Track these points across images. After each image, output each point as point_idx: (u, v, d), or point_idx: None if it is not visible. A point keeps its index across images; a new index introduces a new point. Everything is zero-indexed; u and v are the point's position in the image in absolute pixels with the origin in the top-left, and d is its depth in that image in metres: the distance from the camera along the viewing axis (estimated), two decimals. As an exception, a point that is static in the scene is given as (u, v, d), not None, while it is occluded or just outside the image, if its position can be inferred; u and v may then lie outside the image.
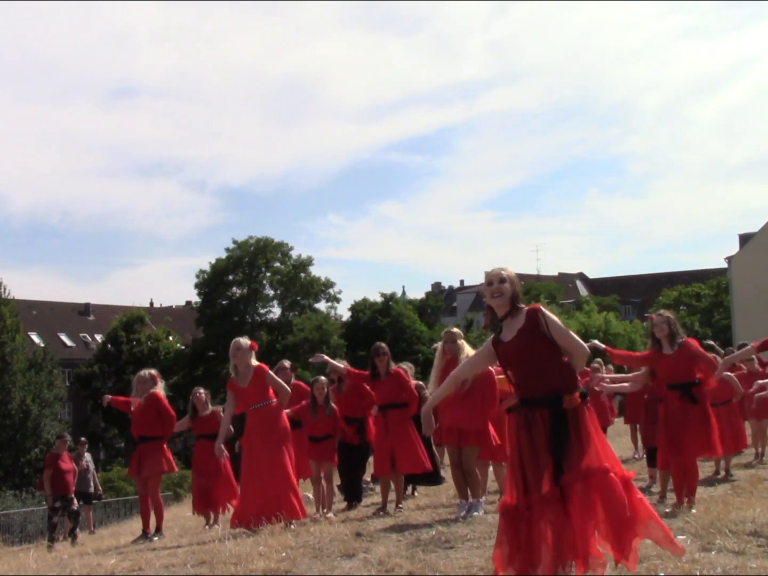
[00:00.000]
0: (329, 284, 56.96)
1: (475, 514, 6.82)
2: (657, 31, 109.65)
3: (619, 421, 14.80)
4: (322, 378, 8.86)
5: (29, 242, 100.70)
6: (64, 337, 60.12)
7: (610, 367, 15.03)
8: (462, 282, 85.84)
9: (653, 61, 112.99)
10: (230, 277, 55.34)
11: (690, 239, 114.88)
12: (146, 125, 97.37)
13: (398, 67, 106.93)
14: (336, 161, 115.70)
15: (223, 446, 7.97)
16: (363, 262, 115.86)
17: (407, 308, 55.19)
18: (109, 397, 9.64)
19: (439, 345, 7.60)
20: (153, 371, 8.93)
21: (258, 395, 7.59)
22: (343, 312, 60.19)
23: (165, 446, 8.82)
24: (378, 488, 9.22)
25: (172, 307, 70.27)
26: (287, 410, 8.22)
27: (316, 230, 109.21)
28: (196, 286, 55.28)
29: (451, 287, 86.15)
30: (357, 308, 55.56)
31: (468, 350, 7.31)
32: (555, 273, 75.07)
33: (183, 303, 69.53)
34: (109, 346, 53.50)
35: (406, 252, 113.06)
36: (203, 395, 9.97)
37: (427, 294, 71.68)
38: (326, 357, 8.77)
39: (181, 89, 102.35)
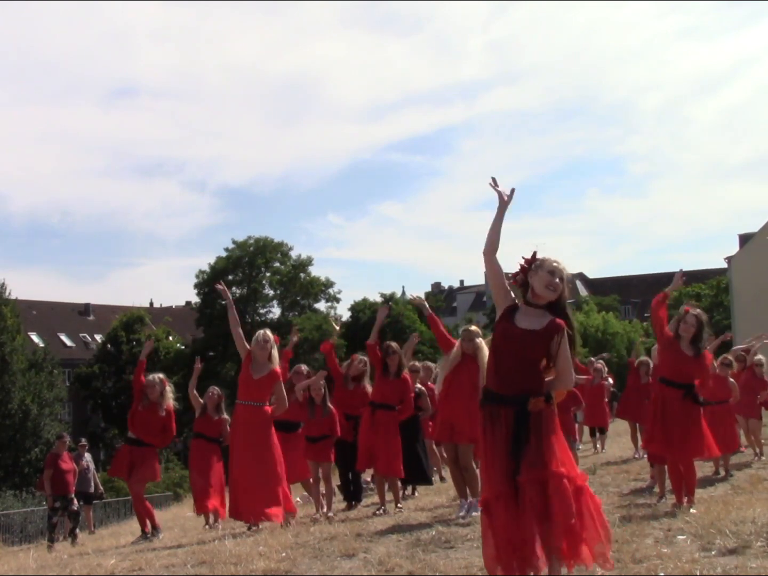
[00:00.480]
0: (329, 284, 56.98)
1: (475, 513, 6.81)
2: (657, 31, 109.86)
3: (619, 422, 14.80)
4: (320, 379, 8.88)
5: (29, 242, 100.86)
6: (64, 337, 60.11)
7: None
8: (462, 282, 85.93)
9: (653, 61, 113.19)
10: (230, 277, 55.25)
11: (690, 239, 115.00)
12: (146, 125, 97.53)
13: (398, 67, 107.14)
14: (336, 161, 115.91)
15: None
16: (363, 262, 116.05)
17: (407, 308, 55.16)
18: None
19: (412, 296, 7.53)
20: (161, 375, 8.91)
21: (259, 393, 7.59)
22: (343, 312, 60.24)
23: (157, 454, 8.90)
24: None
25: (172, 307, 70.27)
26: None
27: (316, 230, 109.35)
28: (196, 286, 55.25)
29: (451, 287, 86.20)
30: (357, 308, 55.55)
31: (486, 349, 7.26)
32: (555, 273, 74.96)
33: (183, 303, 69.62)
34: (109, 346, 53.47)
35: (406, 252, 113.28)
36: (216, 396, 9.93)
37: (427, 294, 71.68)
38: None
39: (181, 89, 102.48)
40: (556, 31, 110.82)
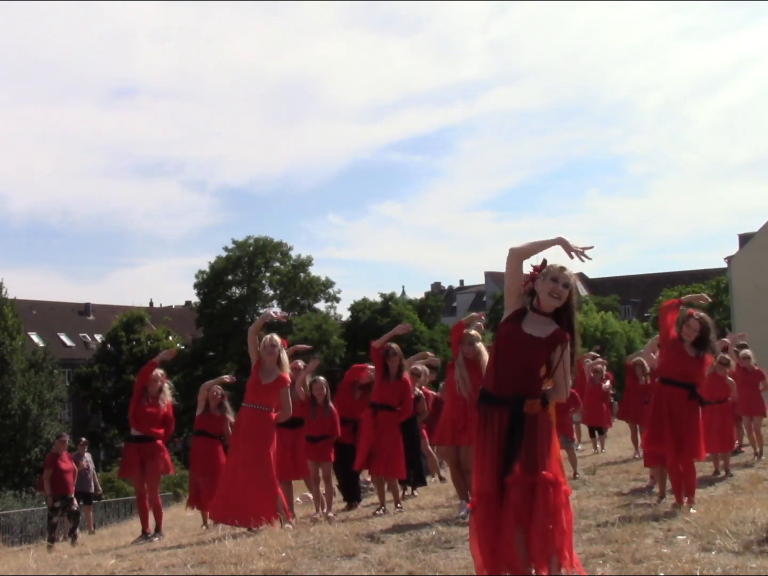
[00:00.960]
0: (329, 284, 57.01)
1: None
2: (657, 31, 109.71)
3: (619, 422, 14.80)
4: (321, 378, 8.89)
5: (29, 242, 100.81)
6: (64, 337, 60.11)
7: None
8: (462, 282, 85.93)
9: (653, 61, 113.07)
10: (230, 277, 55.34)
11: (690, 239, 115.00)
12: (146, 125, 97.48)
13: (398, 67, 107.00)
14: (336, 161, 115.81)
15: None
16: (363, 262, 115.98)
17: (407, 308, 55.20)
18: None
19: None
20: (161, 371, 8.92)
21: (266, 397, 7.55)
22: (343, 312, 60.27)
23: (165, 447, 8.87)
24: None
25: (171, 307, 70.27)
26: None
27: (316, 230, 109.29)
28: (196, 286, 55.31)
29: (450, 287, 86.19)
30: (357, 308, 55.57)
31: (486, 353, 7.24)
32: (555, 273, 74.96)
33: (183, 303, 69.61)
34: (109, 346, 53.44)
35: (406, 252, 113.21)
36: (219, 395, 9.93)
37: (427, 294, 71.66)
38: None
39: (181, 89, 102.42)
40: (556, 31, 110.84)
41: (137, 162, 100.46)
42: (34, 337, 54.85)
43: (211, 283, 54.65)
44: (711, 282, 54.69)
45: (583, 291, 72.78)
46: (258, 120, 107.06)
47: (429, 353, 10.97)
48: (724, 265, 43.10)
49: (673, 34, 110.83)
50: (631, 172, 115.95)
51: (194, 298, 58.49)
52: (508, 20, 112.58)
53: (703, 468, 9.11)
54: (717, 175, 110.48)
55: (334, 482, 9.17)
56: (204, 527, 9.56)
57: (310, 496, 9.64)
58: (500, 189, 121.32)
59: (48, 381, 39.84)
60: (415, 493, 9.90)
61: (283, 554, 5.68)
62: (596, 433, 14.40)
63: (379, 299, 55.63)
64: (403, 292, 64.09)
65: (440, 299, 69.31)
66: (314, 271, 57.29)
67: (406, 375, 8.41)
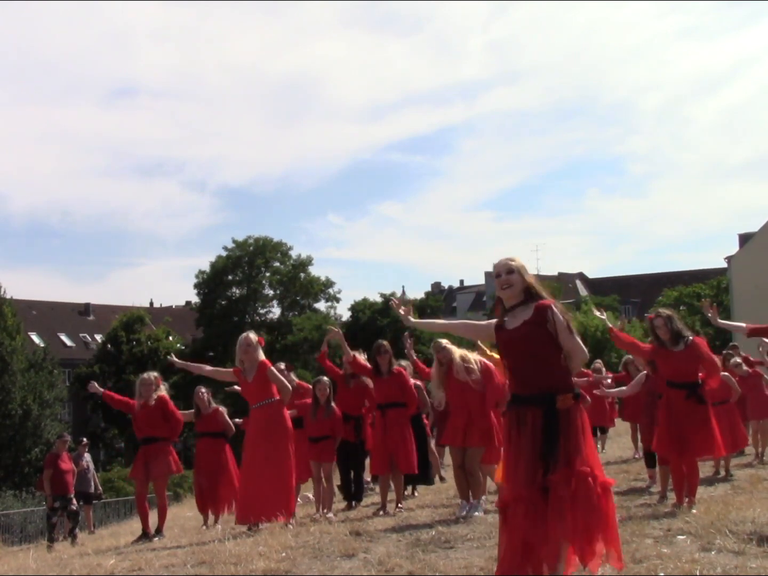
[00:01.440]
0: (329, 284, 56.99)
1: (476, 514, 6.82)
2: (657, 31, 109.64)
3: (619, 422, 14.79)
4: (325, 378, 8.90)
5: (29, 242, 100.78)
6: (64, 337, 60.10)
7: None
8: (462, 282, 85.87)
9: (653, 61, 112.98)
10: (230, 277, 55.34)
11: (690, 239, 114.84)
12: (146, 125, 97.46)
13: (398, 67, 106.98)
14: (336, 161, 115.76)
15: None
16: (363, 262, 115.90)
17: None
18: (100, 389, 9.27)
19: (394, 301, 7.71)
20: (155, 374, 8.93)
21: (261, 392, 7.59)
22: (343, 312, 60.22)
23: (171, 447, 8.86)
24: (378, 488, 9.22)
25: (172, 307, 70.28)
26: (291, 410, 8.27)
27: (316, 230, 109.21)
28: (196, 286, 55.30)
29: (450, 287, 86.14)
30: (357, 308, 55.55)
31: (458, 351, 7.46)
32: (555, 273, 75.04)
33: (183, 303, 69.61)
34: (109, 346, 53.42)
35: (406, 252, 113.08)
36: (204, 394, 9.98)
37: (427, 294, 71.70)
38: (341, 334, 8.72)
39: (181, 89, 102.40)
40: (556, 31, 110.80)
41: (137, 162, 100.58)
42: (34, 337, 54.84)
43: (211, 283, 54.64)
44: (711, 282, 54.70)
45: (583, 291, 72.84)
46: (258, 120, 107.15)
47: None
48: (724, 265, 43.11)
49: (673, 34, 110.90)
50: (631, 172, 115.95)
51: (194, 298, 58.56)
52: (508, 20, 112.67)
53: (704, 468, 9.11)
54: (717, 175, 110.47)
55: (335, 482, 9.16)
56: (204, 527, 9.56)
57: (310, 496, 9.64)
58: (500, 189, 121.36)
59: (48, 381, 39.85)
60: (416, 493, 9.89)
61: (283, 554, 5.68)
62: (597, 432, 14.39)
63: (379, 299, 55.63)
64: (404, 292, 64.13)
65: (440, 299, 69.34)
66: (314, 271, 57.34)
67: (398, 367, 8.41)
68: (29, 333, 52.38)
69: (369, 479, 10.60)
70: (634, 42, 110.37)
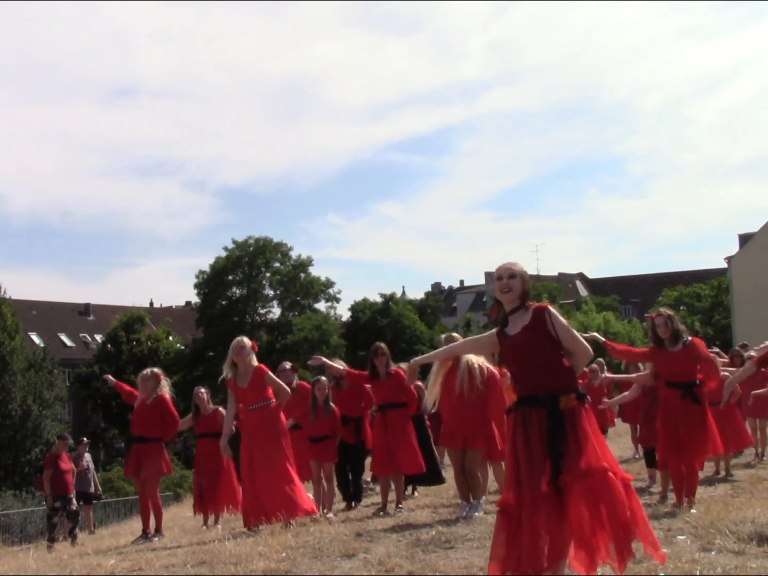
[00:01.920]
0: (329, 284, 56.96)
1: (476, 514, 6.82)
2: (657, 31, 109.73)
3: (618, 422, 14.79)
4: (323, 378, 8.88)
5: (29, 242, 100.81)
6: (64, 337, 60.08)
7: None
8: (462, 282, 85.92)
9: (653, 61, 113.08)
10: (230, 277, 55.30)
11: (690, 239, 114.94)
12: (146, 125, 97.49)
13: (398, 67, 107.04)
14: (336, 161, 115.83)
15: (227, 445, 7.94)
16: (363, 262, 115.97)
17: (407, 308, 55.18)
18: (113, 379, 9.79)
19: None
20: (156, 369, 8.89)
21: (257, 395, 7.57)
22: (343, 312, 60.25)
23: (164, 448, 8.84)
24: (378, 488, 9.23)
25: (172, 307, 70.26)
26: (290, 420, 8.28)
27: (316, 230, 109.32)
28: (196, 286, 55.27)
29: (450, 287, 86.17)
30: (357, 308, 55.57)
31: (469, 356, 7.27)
32: (555, 273, 75.04)
33: (183, 303, 69.59)
34: (109, 346, 53.45)
35: (406, 252, 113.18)
36: (204, 394, 9.98)
37: (427, 294, 71.64)
38: (323, 359, 8.66)
39: (181, 89, 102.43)
40: (556, 31, 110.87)
41: (137, 162, 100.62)
42: (34, 337, 54.82)
43: (212, 283, 54.62)
44: (711, 282, 54.69)
45: (583, 291, 72.81)
46: (258, 120, 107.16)
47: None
48: (724, 265, 43.11)
49: (673, 34, 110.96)
50: (631, 172, 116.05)
51: (194, 298, 58.55)
52: (508, 20, 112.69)
53: (703, 468, 9.11)
54: (717, 175, 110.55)
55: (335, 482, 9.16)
56: (204, 527, 9.56)
57: (311, 496, 9.63)
58: (500, 189, 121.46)
59: (48, 381, 39.85)
60: (416, 493, 9.89)
61: (283, 554, 5.68)
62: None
63: (379, 299, 55.64)
64: (404, 292, 64.14)
65: (440, 299, 69.31)
66: (314, 271, 57.35)
67: (395, 368, 8.39)
68: (29, 333, 52.38)
69: (369, 479, 10.61)
70: (634, 42, 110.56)
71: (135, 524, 12.42)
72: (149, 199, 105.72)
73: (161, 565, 5.94)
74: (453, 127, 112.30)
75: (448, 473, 9.76)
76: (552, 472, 4.01)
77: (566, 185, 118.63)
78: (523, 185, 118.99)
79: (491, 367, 7.33)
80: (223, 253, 55.23)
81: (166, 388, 8.78)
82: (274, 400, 7.63)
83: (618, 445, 14.69)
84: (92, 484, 15.52)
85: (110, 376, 9.88)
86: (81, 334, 61.61)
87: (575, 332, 4.28)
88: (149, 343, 52.99)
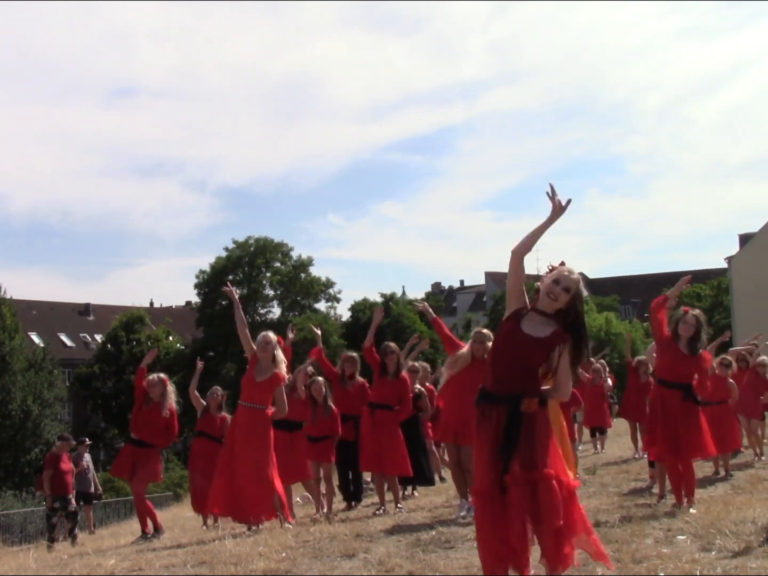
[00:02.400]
0: (329, 284, 56.99)
1: (475, 513, 6.81)
2: (657, 31, 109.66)
3: (619, 422, 14.80)
4: (320, 378, 8.88)
5: (29, 242, 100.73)
6: (64, 337, 60.07)
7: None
8: (462, 282, 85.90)
9: (653, 61, 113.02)
10: (230, 277, 55.25)
11: (690, 239, 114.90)
12: (146, 125, 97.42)
13: (398, 67, 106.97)
14: (336, 161, 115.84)
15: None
16: (363, 262, 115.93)
17: (407, 308, 55.16)
18: (152, 358, 9.20)
19: (417, 303, 7.60)
20: (162, 375, 8.87)
21: (261, 396, 7.54)
22: (343, 312, 60.23)
23: (159, 455, 8.91)
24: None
25: (172, 307, 70.24)
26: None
27: (316, 230, 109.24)
28: (196, 286, 55.26)
29: (451, 287, 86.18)
30: (357, 308, 55.55)
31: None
32: (555, 273, 74.97)
33: (183, 303, 69.58)
34: (109, 346, 53.45)
35: (406, 252, 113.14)
36: (219, 397, 9.95)
37: (427, 294, 71.71)
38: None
39: (181, 89, 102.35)
40: (556, 31, 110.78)
41: (137, 162, 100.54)
42: (34, 337, 54.81)
43: (212, 283, 54.56)
44: (711, 282, 54.73)
45: (583, 291, 72.77)
46: (258, 120, 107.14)
47: (415, 336, 10.80)
48: (724, 265, 43.08)
49: (673, 34, 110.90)
50: (631, 172, 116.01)
51: (194, 298, 58.53)
52: (508, 20, 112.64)
53: (703, 468, 9.11)
54: (717, 175, 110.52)
55: (335, 482, 9.17)
56: (204, 527, 9.56)
57: (310, 496, 9.64)
58: (500, 189, 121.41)
59: (48, 381, 39.85)
60: (415, 493, 9.89)
61: (283, 554, 5.68)
62: (597, 433, 14.40)
63: (379, 299, 55.62)
64: (404, 292, 64.09)
65: (440, 299, 69.37)
66: (314, 271, 57.35)
67: (405, 373, 8.40)
68: (29, 333, 52.37)
69: (369, 479, 10.60)
70: (634, 42, 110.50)
71: (135, 524, 12.40)
72: (149, 199, 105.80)
73: (161, 565, 5.94)
74: (453, 127, 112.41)
75: (449, 473, 9.76)
76: (499, 471, 4.03)
77: (566, 185, 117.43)
78: (523, 185, 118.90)
79: None
80: (224, 253, 55.30)
81: (172, 396, 8.76)
82: (271, 409, 7.61)
83: (618, 445, 14.70)
84: (92, 484, 15.52)
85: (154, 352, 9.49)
86: (81, 334, 61.60)
87: (569, 374, 4.24)
88: (149, 343, 52.95)
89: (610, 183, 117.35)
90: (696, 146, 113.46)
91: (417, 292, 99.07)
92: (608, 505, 7.13)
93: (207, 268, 54.92)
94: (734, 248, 45.41)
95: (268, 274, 55.99)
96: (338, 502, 9.33)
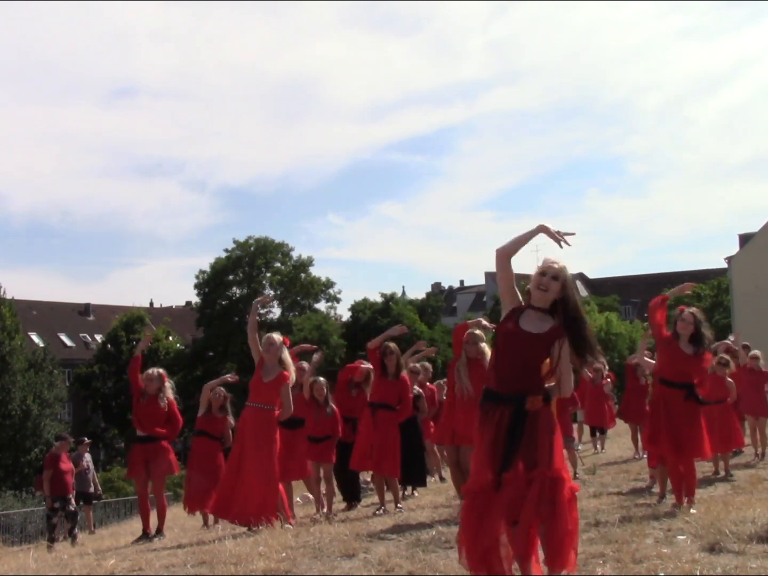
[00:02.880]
0: (329, 284, 57.02)
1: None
2: (657, 31, 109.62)
3: (619, 422, 14.80)
4: (321, 379, 8.89)
5: (29, 242, 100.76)
6: (64, 337, 60.09)
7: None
8: (462, 282, 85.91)
9: (653, 61, 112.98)
10: (230, 278, 55.35)
11: (690, 239, 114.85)
12: (146, 125, 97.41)
13: (398, 67, 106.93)
14: (336, 161, 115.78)
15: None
16: (363, 262, 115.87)
17: (407, 308, 55.15)
18: (146, 343, 9.44)
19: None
20: (161, 370, 8.86)
21: (268, 396, 7.55)
22: (344, 312, 60.25)
23: (170, 447, 8.84)
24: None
25: (172, 307, 70.24)
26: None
27: (316, 230, 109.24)
28: (196, 286, 55.32)
29: (451, 287, 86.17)
30: (357, 308, 55.55)
31: (489, 352, 7.26)
32: (555, 273, 74.94)
33: (183, 303, 69.59)
34: (109, 346, 53.46)
35: (406, 252, 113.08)
36: (222, 398, 9.92)
37: (427, 294, 71.65)
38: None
39: (181, 89, 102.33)
40: (556, 31, 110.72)
41: (137, 162, 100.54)
42: (34, 337, 54.83)
43: (212, 283, 54.65)
44: (711, 282, 54.70)
45: (583, 291, 72.78)
46: (258, 120, 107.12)
47: (422, 342, 10.88)
48: (724, 265, 43.07)
49: (673, 34, 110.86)
50: (631, 172, 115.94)
51: (194, 299, 58.57)
52: (508, 20, 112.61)
53: (703, 468, 9.11)
54: (717, 175, 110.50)
55: (335, 482, 9.17)
56: (204, 527, 9.56)
57: (310, 496, 9.64)
58: (500, 189, 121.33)
59: (48, 381, 39.84)
60: (415, 493, 9.89)
61: (283, 554, 5.68)
62: (597, 433, 14.40)
63: (379, 299, 55.64)
64: (404, 292, 64.08)
65: (440, 299, 69.28)
66: (314, 271, 57.38)
67: (405, 374, 8.41)
68: (29, 333, 52.39)
69: (369, 479, 10.61)
70: (634, 42, 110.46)
71: (135, 524, 12.42)
72: (149, 199, 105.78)
73: (161, 565, 5.93)
74: (453, 127, 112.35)
75: (449, 473, 9.77)
76: (498, 469, 4.02)
77: (566, 185, 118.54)
78: (523, 185, 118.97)
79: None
80: (224, 254, 55.33)
81: (170, 390, 8.76)
82: (277, 410, 7.61)
83: (618, 445, 14.71)
84: (92, 484, 15.53)
85: (149, 331, 9.63)
86: (81, 334, 61.62)
87: (571, 371, 4.23)
88: (149, 343, 52.96)
89: (610, 183, 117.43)
90: (696, 146, 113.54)
91: (417, 292, 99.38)
92: (608, 505, 7.13)
93: (207, 269, 55.02)
94: (734, 248, 45.45)
95: (268, 275, 56.03)
96: (338, 502, 9.33)
